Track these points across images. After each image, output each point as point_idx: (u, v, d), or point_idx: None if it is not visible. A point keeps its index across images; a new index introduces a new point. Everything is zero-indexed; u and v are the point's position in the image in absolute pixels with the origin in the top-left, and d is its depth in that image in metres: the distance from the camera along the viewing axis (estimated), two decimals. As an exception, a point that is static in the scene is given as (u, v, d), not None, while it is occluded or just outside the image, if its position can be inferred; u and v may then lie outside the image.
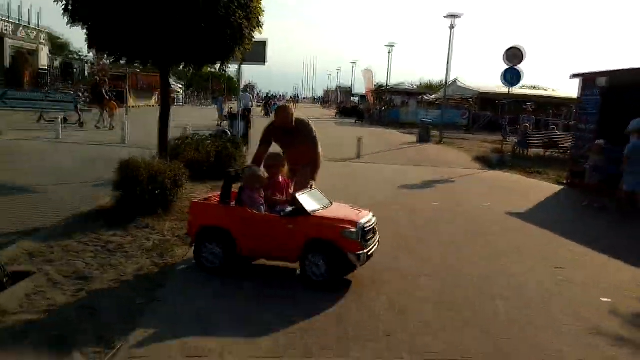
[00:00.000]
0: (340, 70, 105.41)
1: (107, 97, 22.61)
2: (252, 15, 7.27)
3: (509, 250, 6.38)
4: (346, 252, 4.52)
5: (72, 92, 28.11)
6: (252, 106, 25.67)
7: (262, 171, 5.09)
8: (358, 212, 5.01)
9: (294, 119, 5.55)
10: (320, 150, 5.79)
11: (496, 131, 27.29)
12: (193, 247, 5.09)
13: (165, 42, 6.53)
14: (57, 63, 44.37)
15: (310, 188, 5.16)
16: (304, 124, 5.66)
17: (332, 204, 5.09)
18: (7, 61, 35.39)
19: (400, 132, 29.13)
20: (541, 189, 11.70)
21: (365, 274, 5.09)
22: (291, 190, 5.24)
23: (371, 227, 4.82)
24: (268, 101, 39.87)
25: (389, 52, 38.53)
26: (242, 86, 52.52)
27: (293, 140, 5.65)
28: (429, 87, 52.14)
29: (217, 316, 3.99)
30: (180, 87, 49.94)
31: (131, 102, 34.02)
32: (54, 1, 6.56)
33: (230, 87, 56.51)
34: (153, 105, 39.86)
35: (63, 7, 6.46)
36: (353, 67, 69.45)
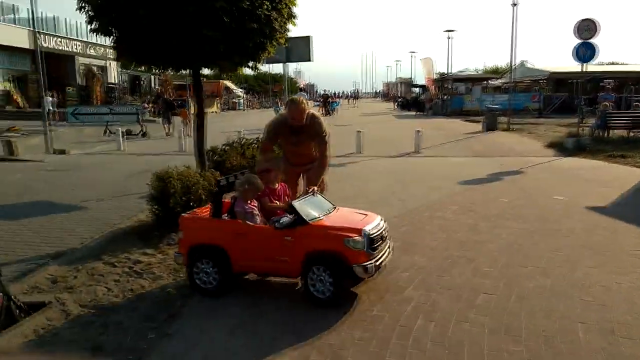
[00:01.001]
0: (400, 62, 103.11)
1: (177, 105, 23.36)
2: (281, 6, 6.69)
3: (590, 255, 5.36)
4: (351, 264, 3.94)
5: (136, 105, 29.08)
6: (307, 105, 25.27)
7: (257, 178, 4.53)
8: (364, 216, 4.41)
9: (306, 115, 4.91)
10: (329, 150, 5.19)
11: (572, 113, 25.12)
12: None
13: (189, 44, 6.12)
14: (125, 77, 46.46)
15: (312, 194, 4.58)
16: (316, 119, 5.04)
17: (335, 209, 4.53)
18: (80, 79, 37.50)
19: (464, 121, 27.61)
20: (628, 176, 10.26)
21: (411, 294, 4.37)
22: (295, 194, 4.70)
23: (379, 233, 4.22)
24: (326, 99, 38.82)
25: (449, 38, 36.71)
26: (301, 86, 51.92)
27: (301, 138, 5.08)
28: (495, 72, 49.43)
29: (234, 354, 3.46)
30: (241, 92, 50.66)
31: (193, 109, 34.82)
32: (76, 9, 6.34)
33: (290, 89, 56.66)
34: (215, 112, 40.68)
35: (86, 19, 6.23)
36: (412, 57, 67.69)
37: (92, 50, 39.42)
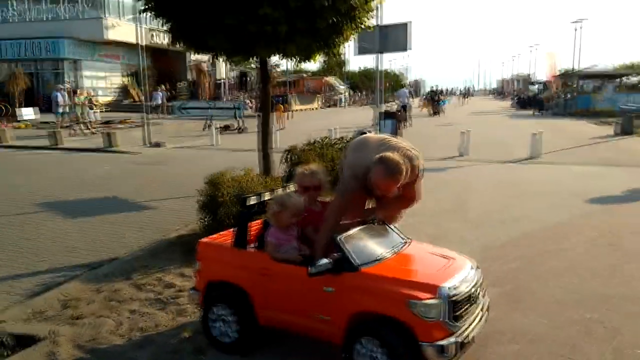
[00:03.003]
0: (518, 57, 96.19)
1: (274, 101, 23.37)
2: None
3: None
4: (420, 340, 2.56)
5: (236, 101, 29.50)
6: (409, 102, 23.54)
7: (295, 197, 3.28)
8: (446, 261, 2.97)
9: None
10: (421, 189, 3.48)
11: None
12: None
13: (245, 25, 5.06)
14: (234, 73, 47.82)
15: (374, 223, 3.24)
16: (411, 164, 3.22)
17: (406, 245, 3.16)
18: (190, 74, 39.10)
19: (593, 123, 24.04)
20: None
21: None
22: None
23: (467, 292, 2.76)
24: (434, 97, 35.58)
25: (576, 30, 32.66)
26: (406, 82, 49.64)
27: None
28: (631, 68, 43.36)
29: None
30: (343, 89, 49.90)
31: (295, 106, 34.66)
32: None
33: (395, 85, 54.82)
34: (316, 108, 40.22)
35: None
36: (532, 51, 62.13)
37: (203, 47, 40.91)
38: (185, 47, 6.05)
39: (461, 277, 2.82)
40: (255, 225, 3.57)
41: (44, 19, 31.15)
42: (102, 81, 32.68)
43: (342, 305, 2.79)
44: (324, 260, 2.79)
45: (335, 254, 2.85)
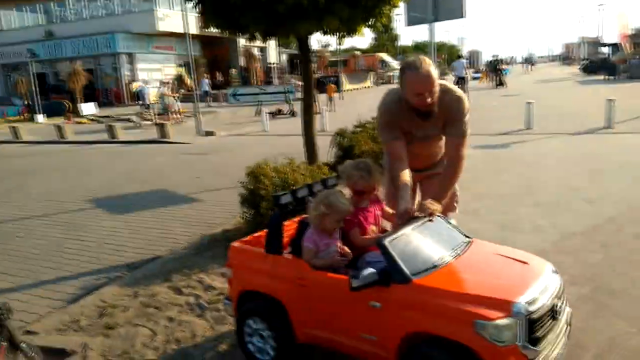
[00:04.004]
0: (583, 20, 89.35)
1: (324, 82, 23.18)
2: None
3: None
4: None
5: (286, 85, 29.20)
6: (466, 74, 22.19)
7: (341, 195, 2.76)
8: (520, 267, 2.40)
9: (436, 92, 2.85)
10: (466, 147, 3.00)
11: None
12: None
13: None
14: (284, 57, 47.61)
15: (428, 217, 2.67)
16: (452, 95, 2.94)
17: (469, 246, 2.61)
18: (241, 61, 39.20)
19: (675, 84, 21.82)
20: None
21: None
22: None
23: (548, 306, 2.21)
24: (496, 66, 32.76)
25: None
26: (462, 53, 47.48)
27: (427, 126, 3.00)
28: None
29: None
30: (396, 64, 48.44)
31: (346, 85, 33.93)
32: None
33: (451, 57, 52.63)
34: (369, 87, 39.15)
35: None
36: (599, 12, 57.47)
37: (253, 32, 40.82)
38: (219, 30, 5.66)
39: (540, 287, 2.26)
40: (291, 225, 3.14)
41: (100, 15, 32.09)
42: (156, 73, 33.33)
43: (392, 324, 2.31)
44: (369, 271, 2.31)
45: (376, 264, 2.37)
